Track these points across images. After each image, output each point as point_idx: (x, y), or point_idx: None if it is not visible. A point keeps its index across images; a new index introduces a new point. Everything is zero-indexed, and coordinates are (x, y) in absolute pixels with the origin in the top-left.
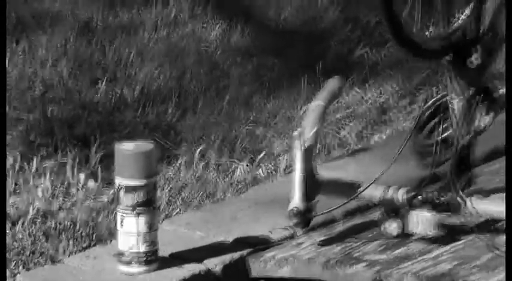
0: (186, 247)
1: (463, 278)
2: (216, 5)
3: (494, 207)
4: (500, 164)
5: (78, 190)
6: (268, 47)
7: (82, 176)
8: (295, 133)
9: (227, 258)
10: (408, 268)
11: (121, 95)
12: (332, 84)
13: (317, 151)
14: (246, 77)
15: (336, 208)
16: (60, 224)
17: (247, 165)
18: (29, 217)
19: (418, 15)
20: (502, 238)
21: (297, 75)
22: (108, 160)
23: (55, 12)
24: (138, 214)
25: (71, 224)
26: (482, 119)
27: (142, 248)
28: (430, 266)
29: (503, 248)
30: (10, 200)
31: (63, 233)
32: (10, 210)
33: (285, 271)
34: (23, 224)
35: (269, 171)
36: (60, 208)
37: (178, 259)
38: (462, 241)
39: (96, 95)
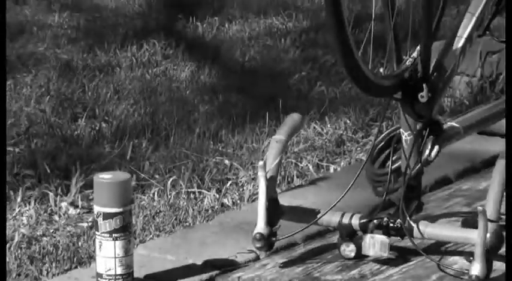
0: (159, 269)
1: None
2: (186, 47)
3: (441, 231)
4: (446, 192)
5: (60, 217)
6: (233, 86)
7: (64, 204)
8: (259, 164)
9: (196, 279)
10: None
11: (99, 129)
12: (292, 119)
13: (279, 181)
14: (213, 113)
15: (296, 233)
16: (43, 248)
17: (214, 194)
18: (15, 241)
19: (371, 56)
20: (449, 259)
21: (260, 111)
22: (87, 189)
23: (39, 53)
24: (115, 239)
25: (53, 249)
26: (430, 151)
27: (119, 270)
28: None
29: (451, 268)
30: None
31: (46, 256)
32: None
33: None
34: (9, 248)
35: (235, 199)
36: (43, 234)
37: (152, 280)
38: (413, 262)
39: (76, 130)
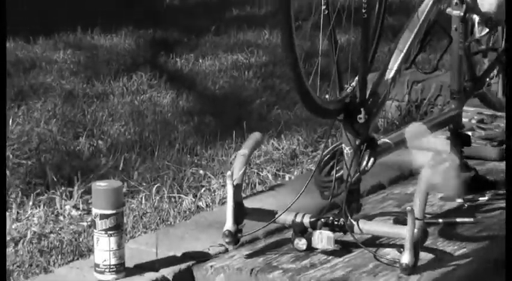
0: (146, 260)
1: None
2: (167, 78)
3: (377, 227)
4: (380, 195)
5: (64, 217)
6: (206, 110)
7: (67, 207)
8: (228, 174)
9: (177, 268)
10: (312, 274)
11: (97, 146)
12: (254, 137)
13: (244, 187)
14: (190, 131)
15: (258, 230)
16: (51, 243)
17: (191, 198)
18: (28, 238)
19: (319, 84)
20: (384, 250)
21: (228, 131)
22: (87, 194)
23: (47, 84)
24: (110, 236)
25: (59, 244)
26: (367, 162)
27: (113, 261)
28: (328, 273)
29: (385, 258)
30: (13, 226)
31: (53, 250)
32: (13, 233)
33: (220, 278)
34: (23, 243)
35: (208, 203)
36: (51, 232)
37: (140, 269)
38: (353, 253)
39: (78, 146)
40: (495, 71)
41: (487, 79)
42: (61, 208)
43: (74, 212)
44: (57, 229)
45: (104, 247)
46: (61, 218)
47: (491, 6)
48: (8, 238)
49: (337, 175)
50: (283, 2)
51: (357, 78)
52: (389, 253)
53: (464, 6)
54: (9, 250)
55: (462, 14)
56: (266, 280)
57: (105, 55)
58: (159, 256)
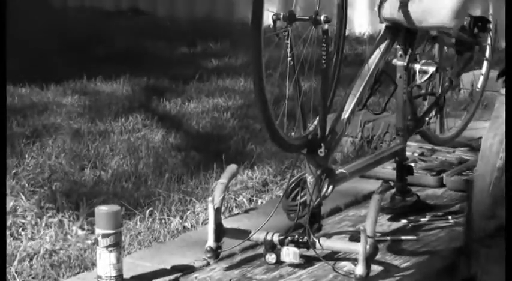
0: (141, 272)
1: None
2: (158, 119)
3: (335, 244)
4: (338, 217)
5: (72, 236)
6: (191, 145)
7: (74, 228)
8: (209, 199)
9: (167, 279)
10: None
11: (99, 176)
12: (231, 168)
13: (223, 210)
14: (178, 164)
15: (235, 246)
16: (60, 258)
17: (179, 220)
18: (41, 254)
19: (285, 124)
20: (341, 263)
21: (210, 163)
22: (91, 217)
23: (57, 124)
24: (110, 251)
25: (67, 259)
26: (326, 189)
27: (113, 273)
28: None
29: (342, 270)
30: (28, 244)
31: (62, 264)
32: (29, 250)
33: None
34: (37, 258)
35: (193, 224)
36: (60, 248)
37: (136, 279)
38: (316, 266)
39: (83, 176)
40: (433, 112)
41: (427, 119)
42: (69, 229)
43: (80, 232)
44: (66, 246)
45: (105, 261)
46: (69, 237)
47: (444, 17)
48: (24, 253)
49: (301, 200)
50: (255, 55)
51: (317, 118)
52: (346, 265)
53: (407, 57)
54: (25, 264)
55: (405, 64)
56: None
57: (106, 99)
58: (152, 269)
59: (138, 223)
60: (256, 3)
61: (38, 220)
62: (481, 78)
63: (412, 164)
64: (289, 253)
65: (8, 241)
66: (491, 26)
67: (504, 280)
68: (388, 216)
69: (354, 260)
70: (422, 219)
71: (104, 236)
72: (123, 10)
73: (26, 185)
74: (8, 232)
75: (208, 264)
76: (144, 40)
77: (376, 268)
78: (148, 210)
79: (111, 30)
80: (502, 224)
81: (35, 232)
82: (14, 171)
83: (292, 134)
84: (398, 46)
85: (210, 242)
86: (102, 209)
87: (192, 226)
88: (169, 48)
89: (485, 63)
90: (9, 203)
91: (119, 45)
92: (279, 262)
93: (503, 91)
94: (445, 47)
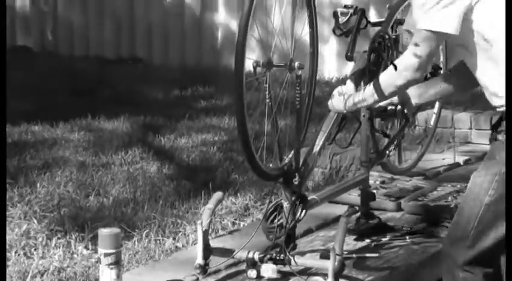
0: None
1: None
2: (154, 152)
3: (307, 261)
4: (310, 237)
5: (78, 255)
6: (183, 175)
7: (80, 248)
8: (198, 222)
9: None
10: None
11: (102, 202)
12: (217, 195)
13: (210, 232)
14: (171, 191)
15: (221, 264)
16: (68, 275)
17: (172, 241)
18: (51, 270)
19: (265, 156)
20: (313, 278)
21: (199, 191)
22: (95, 238)
23: (65, 157)
24: (111, 269)
25: (74, 275)
26: (300, 213)
27: None
28: None
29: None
30: (40, 262)
31: (69, 280)
32: (40, 267)
33: None
34: (47, 275)
35: (184, 244)
36: (67, 266)
37: None
38: (290, 280)
39: (88, 203)
40: (392, 146)
41: (387, 152)
42: (75, 248)
43: (85, 252)
44: (72, 264)
45: (107, 278)
46: (75, 256)
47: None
48: (36, 271)
49: (278, 223)
50: (238, 97)
51: (292, 151)
52: (317, 280)
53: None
54: (37, 280)
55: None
56: None
57: (108, 135)
58: None
59: (136, 243)
60: (239, 52)
61: (48, 241)
62: (434, 117)
63: (374, 191)
64: (268, 269)
65: (21, 259)
66: (441, 71)
67: None
68: (354, 236)
69: (325, 275)
70: (383, 239)
71: (106, 255)
72: (123, 58)
73: (38, 210)
74: (21, 252)
75: (197, 279)
76: (142, 84)
77: None
78: (145, 232)
79: (113, 75)
80: (480, 255)
81: (46, 251)
82: (27, 198)
83: (270, 165)
84: None
85: (199, 260)
86: (104, 232)
87: (183, 245)
88: (164, 91)
89: (437, 104)
90: (23, 227)
91: (119, 89)
92: (259, 277)
93: (501, 137)
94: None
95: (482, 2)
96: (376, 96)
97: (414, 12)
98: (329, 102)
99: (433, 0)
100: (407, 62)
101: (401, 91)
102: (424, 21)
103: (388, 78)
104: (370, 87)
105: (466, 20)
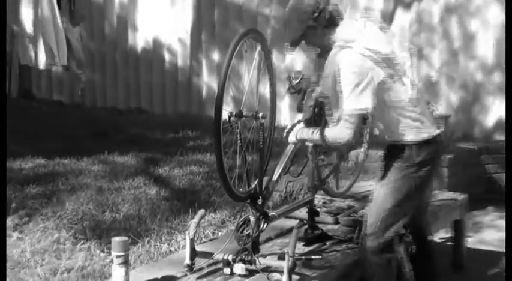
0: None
1: None
2: (154, 180)
3: (268, 261)
4: (271, 243)
5: (96, 257)
6: (175, 197)
7: (98, 251)
8: (187, 232)
9: None
10: None
11: (114, 217)
12: (201, 212)
13: (196, 239)
14: (166, 209)
15: (204, 263)
16: (88, 272)
17: (167, 246)
18: (75, 269)
19: (236, 183)
20: (273, 274)
21: (187, 208)
22: (108, 244)
23: (88, 183)
24: (121, 267)
25: (93, 272)
26: (263, 226)
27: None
28: None
29: (273, 279)
30: (66, 262)
31: (89, 276)
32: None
33: None
34: (72, 272)
35: (176, 248)
36: (88, 265)
37: None
38: (256, 276)
39: (104, 217)
40: (331, 176)
41: (327, 180)
42: (94, 252)
43: (102, 254)
44: (92, 263)
45: (118, 274)
46: (94, 257)
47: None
48: (63, 268)
49: (246, 233)
50: (216, 139)
51: (257, 180)
52: (276, 275)
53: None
54: (65, 275)
55: (312, 144)
56: None
57: (119, 167)
58: (149, 278)
59: (140, 248)
60: (217, 106)
61: (73, 246)
62: (362, 154)
63: (318, 209)
64: (239, 268)
65: (53, 260)
66: (368, 121)
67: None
68: (303, 243)
69: (281, 272)
70: (325, 246)
71: (117, 256)
72: (131, 109)
73: (66, 223)
74: (53, 254)
75: (185, 275)
76: (145, 129)
77: (295, 277)
78: (147, 239)
79: (124, 122)
80: (384, 245)
81: (71, 254)
82: (58, 214)
83: (241, 189)
84: None
85: (187, 261)
86: (116, 239)
87: (175, 249)
88: (161, 134)
89: (365, 144)
90: (55, 235)
91: (129, 133)
92: (232, 274)
93: (395, 163)
94: None
95: (381, 84)
96: (320, 142)
97: (342, 87)
98: (285, 136)
99: (353, 83)
100: (343, 133)
101: (336, 147)
102: (351, 102)
103: (330, 136)
104: (317, 135)
105: (374, 94)
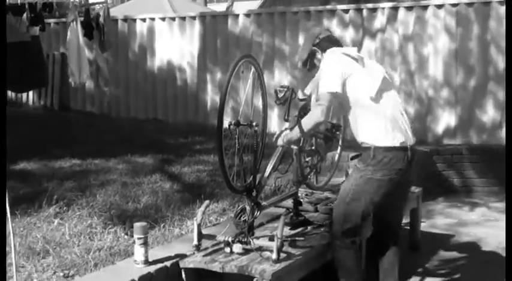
0: (158, 257)
1: (251, 267)
2: (168, 176)
3: (261, 242)
4: (262, 228)
5: (121, 239)
6: (185, 190)
7: (123, 234)
8: (195, 218)
9: (171, 261)
10: (233, 262)
11: (136, 207)
12: (206, 202)
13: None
14: (178, 200)
15: (209, 243)
16: (115, 251)
17: (179, 230)
18: (104, 248)
19: (235, 179)
20: (265, 252)
21: (195, 200)
22: (132, 228)
23: (114, 179)
24: (141, 247)
25: (119, 251)
26: (256, 213)
27: (143, 258)
28: (238, 262)
29: (265, 256)
30: (98, 243)
31: (116, 254)
32: (98, 246)
33: (192, 264)
34: (102, 251)
35: (186, 231)
36: (115, 245)
37: (157, 262)
38: (251, 254)
39: (127, 207)
40: (312, 173)
41: (309, 176)
42: (120, 235)
43: (126, 237)
44: (118, 244)
45: (139, 252)
46: (120, 239)
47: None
48: (95, 248)
49: (243, 219)
50: (218, 143)
51: (252, 176)
52: (267, 253)
53: (301, 144)
54: (96, 253)
55: (297, 148)
56: (212, 267)
57: (140, 166)
58: (164, 255)
59: (157, 231)
60: (219, 116)
61: (103, 230)
62: (337, 155)
63: (301, 200)
64: (237, 247)
65: (87, 241)
66: (341, 128)
67: (348, 261)
68: (289, 227)
69: (271, 251)
70: (307, 230)
71: (139, 238)
72: (149, 119)
73: (97, 211)
74: (87, 237)
75: (194, 253)
76: (161, 135)
77: (282, 255)
78: (162, 224)
79: (143, 130)
80: (349, 231)
81: (101, 236)
82: (91, 204)
83: (238, 184)
84: None
85: (195, 241)
86: (137, 224)
87: (185, 232)
88: (174, 139)
89: (339, 147)
90: (88, 221)
91: (148, 138)
92: (231, 252)
93: (352, 163)
94: (318, 139)
95: (351, 77)
96: (299, 134)
97: (320, 78)
98: (274, 141)
99: (328, 71)
100: (315, 112)
101: (313, 129)
102: (324, 85)
103: (306, 121)
104: (296, 129)
105: (344, 85)
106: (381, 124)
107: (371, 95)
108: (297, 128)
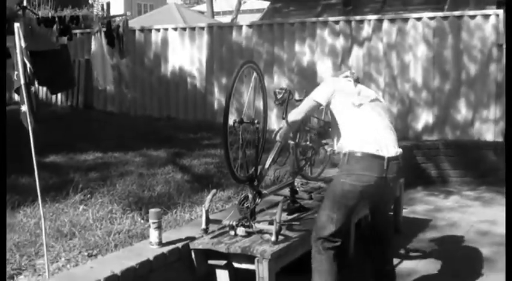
0: (170, 239)
1: (253, 247)
2: (179, 168)
3: (262, 226)
4: (263, 213)
5: (138, 223)
6: (195, 180)
7: (139, 219)
8: (203, 205)
9: (182, 243)
10: (237, 244)
11: (151, 195)
12: (213, 191)
13: (210, 210)
14: (188, 189)
15: (216, 227)
16: (133, 233)
17: (189, 215)
18: (123, 231)
19: (238, 170)
20: (265, 235)
21: (203, 188)
22: (147, 214)
23: (131, 170)
24: (156, 230)
25: (136, 233)
26: (257, 200)
27: (157, 240)
28: (241, 243)
29: (266, 238)
30: (117, 226)
31: (133, 236)
32: (117, 230)
33: (200, 245)
34: (121, 234)
35: (195, 217)
36: (133, 229)
37: (170, 244)
38: (253, 236)
39: (143, 195)
40: (307, 165)
41: (304, 167)
42: (137, 219)
43: (142, 221)
44: (135, 228)
45: (153, 235)
46: (137, 223)
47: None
48: (115, 231)
49: (246, 206)
50: (224, 139)
51: (253, 167)
52: (267, 236)
53: (297, 140)
54: (116, 236)
55: (294, 143)
56: (218, 248)
57: (154, 159)
58: (176, 238)
59: (169, 216)
60: (225, 115)
61: (122, 215)
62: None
63: (297, 189)
64: (241, 230)
65: (108, 225)
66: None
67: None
68: (286, 213)
69: (271, 234)
70: (302, 215)
71: (153, 223)
72: (163, 117)
73: (117, 199)
74: (108, 221)
75: (202, 236)
76: (173, 131)
77: (281, 237)
78: (174, 210)
79: (157, 127)
80: (334, 233)
81: (121, 221)
82: (111, 192)
83: (242, 175)
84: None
85: (203, 226)
86: (152, 210)
87: (195, 218)
88: (185, 135)
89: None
90: (109, 207)
91: (161, 134)
92: (236, 235)
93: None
94: (313, 135)
95: (335, 95)
96: (288, 127)
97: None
98: (273, 137)
99: (320, 87)
100: (294, 113)
101: (297, 123)
102: (311, 95)
103: (289, 118)
104: (285, 123)
105: (333, 98)
106: (360, 133)
107: (355, 105)
108: (285, 124)
